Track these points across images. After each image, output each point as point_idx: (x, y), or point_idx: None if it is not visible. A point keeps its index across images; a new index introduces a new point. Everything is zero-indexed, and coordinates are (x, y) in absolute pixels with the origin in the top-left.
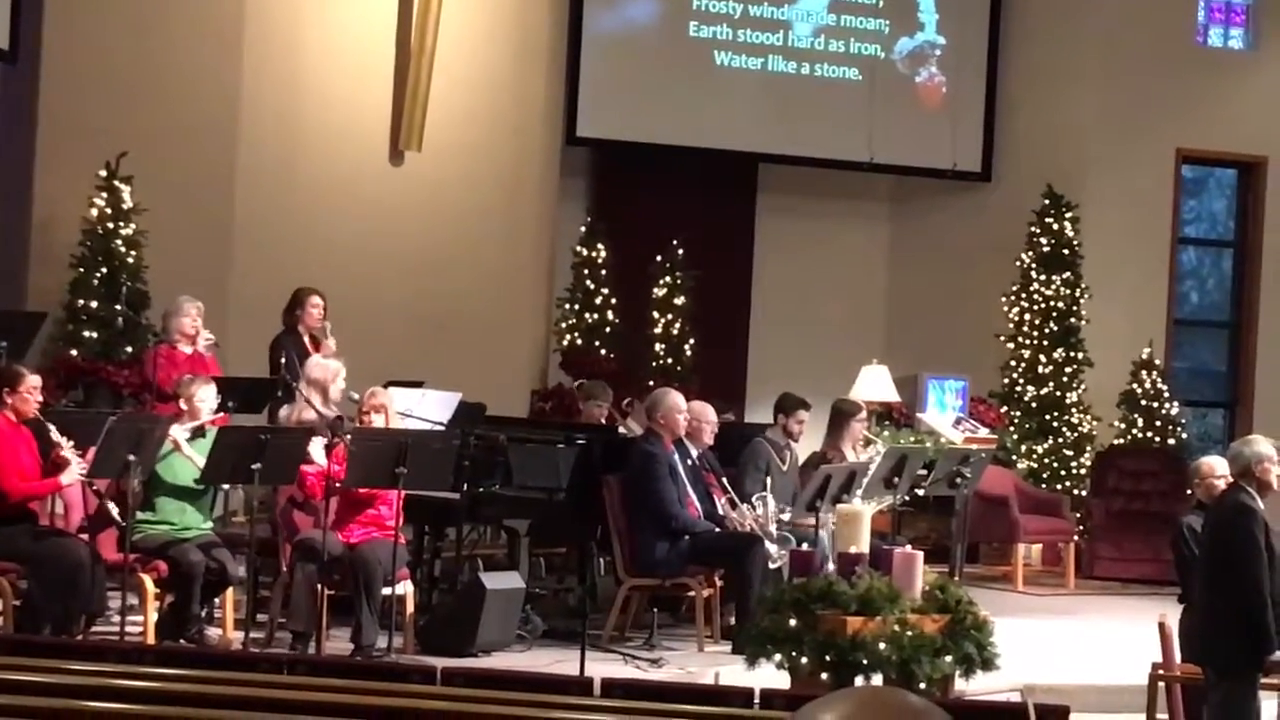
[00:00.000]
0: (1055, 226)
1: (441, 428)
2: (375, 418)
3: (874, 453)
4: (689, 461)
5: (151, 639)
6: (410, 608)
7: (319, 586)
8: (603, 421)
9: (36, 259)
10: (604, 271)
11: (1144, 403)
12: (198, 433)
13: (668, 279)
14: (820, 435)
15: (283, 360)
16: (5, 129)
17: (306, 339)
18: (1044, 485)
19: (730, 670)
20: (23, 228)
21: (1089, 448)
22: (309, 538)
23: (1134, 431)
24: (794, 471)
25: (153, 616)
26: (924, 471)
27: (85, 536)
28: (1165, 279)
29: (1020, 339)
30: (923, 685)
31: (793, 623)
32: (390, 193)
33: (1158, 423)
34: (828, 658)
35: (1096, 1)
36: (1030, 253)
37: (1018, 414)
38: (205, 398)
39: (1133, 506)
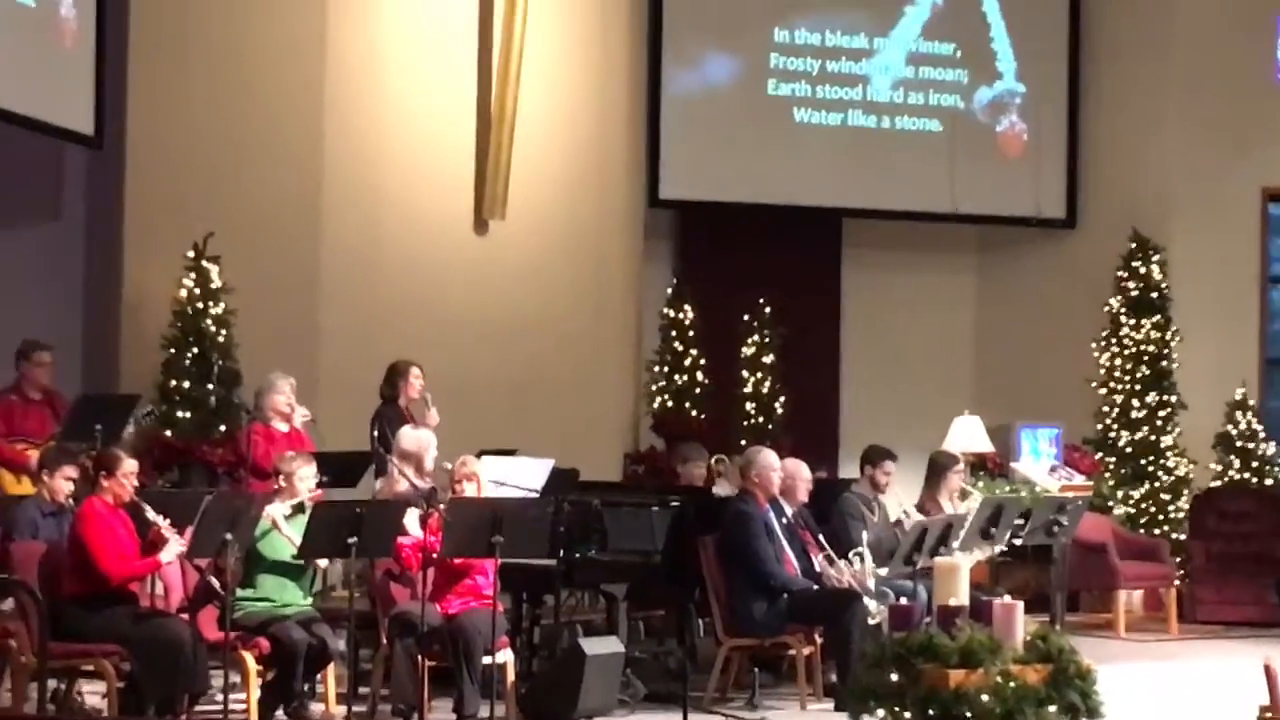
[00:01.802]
0: (1143, 270)
1: (535, 495)
2: (467, 486)
3: (971, 504)
4: (784, 519)
5: (255, 716)
6: (511, 676)
7: (419, 658)
8: (700, 483)
9: (128, 342)
10: (692, 332)
11: (1239, 443)
12: (297, 509)
13: (756, 337)
14: (908, 486)
15: (375, 434)
16: (94, 214)
17: (405, 412)
18: (1142, 530)
19: None
20: (114, 311)
21: (1186, 491)
22: (407, 610)
23: (1230, 473)
24: (884, 523)
25: (255, 694)
26: (1021, 521)
27: (186, 616)
28: (1256, 318)
29: (1112, 384)
30: None
31: (894, 678)
32: (476, 262)
33: (1254, 463)
34: (931, 712)
35: (1175, 43)
36: (1119, 297)
37: (1113, 460)
38: (306, 476)
39: (1233, 548)
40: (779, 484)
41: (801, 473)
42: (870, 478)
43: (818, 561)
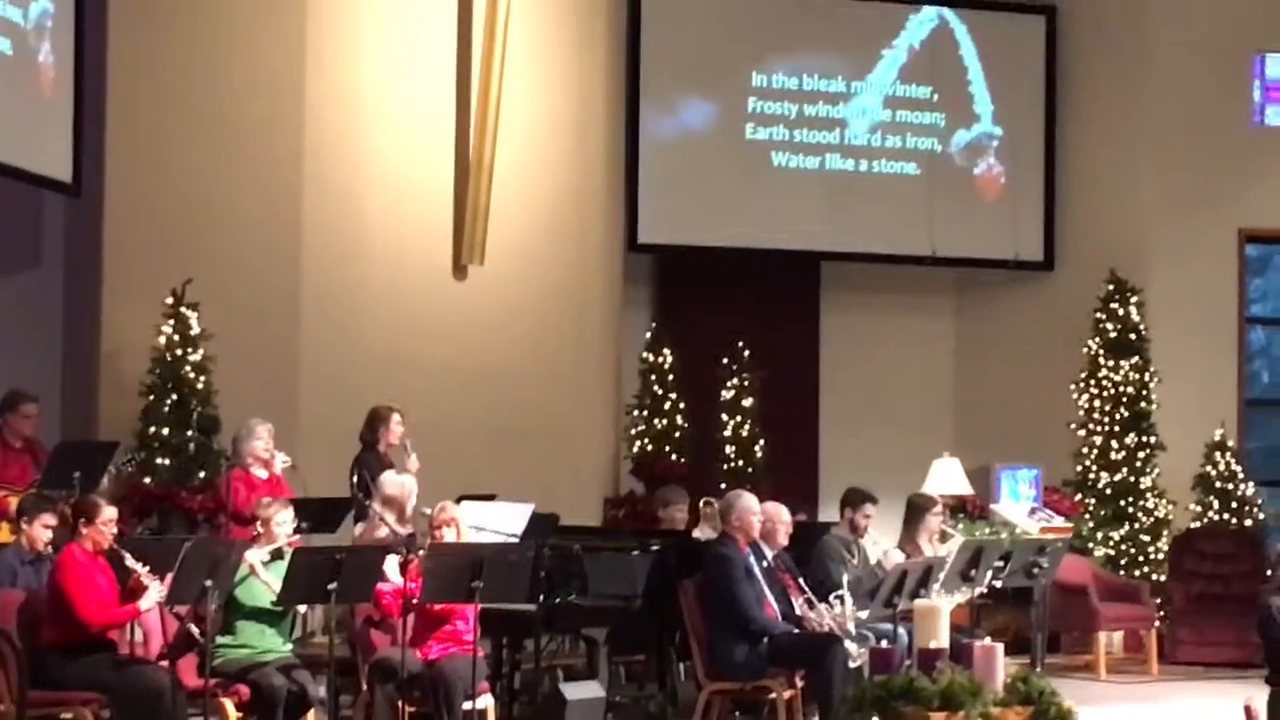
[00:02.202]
0: (1121, 312)
1: (515, 539)
2: (446, 532)
3: (951, 546)
4: (764, 563)
5: None
6: None
7: (399, 704)
8: (683, 526)
9: (107, 389)
10: (671, 376)
11: (1219, 484)
12: (276, 555)
13: (735, 381)
14: (887, 529)
15: (354, 479)
16: (72, 261)
17: (385, 457)
18: (1122, 572)
19: None
20: (92, 358)
21: (1165, 532)
22: (387, 657)
23: (1210, 514)
24: (864, 566)
25: None
26: (1000, 563)
27: (166, 663)
28: (1234, 359)
29: (1091, 426)
30: None
31: None
32: (455, 307)
33: (1234, 504)
34: None
35: (1152, 86)
36: (1097, 339)
37: (1092, 501)
38: (283, 521)
39: (1212, 589)
40: (759, 527)
41: (781, 516)
42: (850, 520)
43: (798, 605)
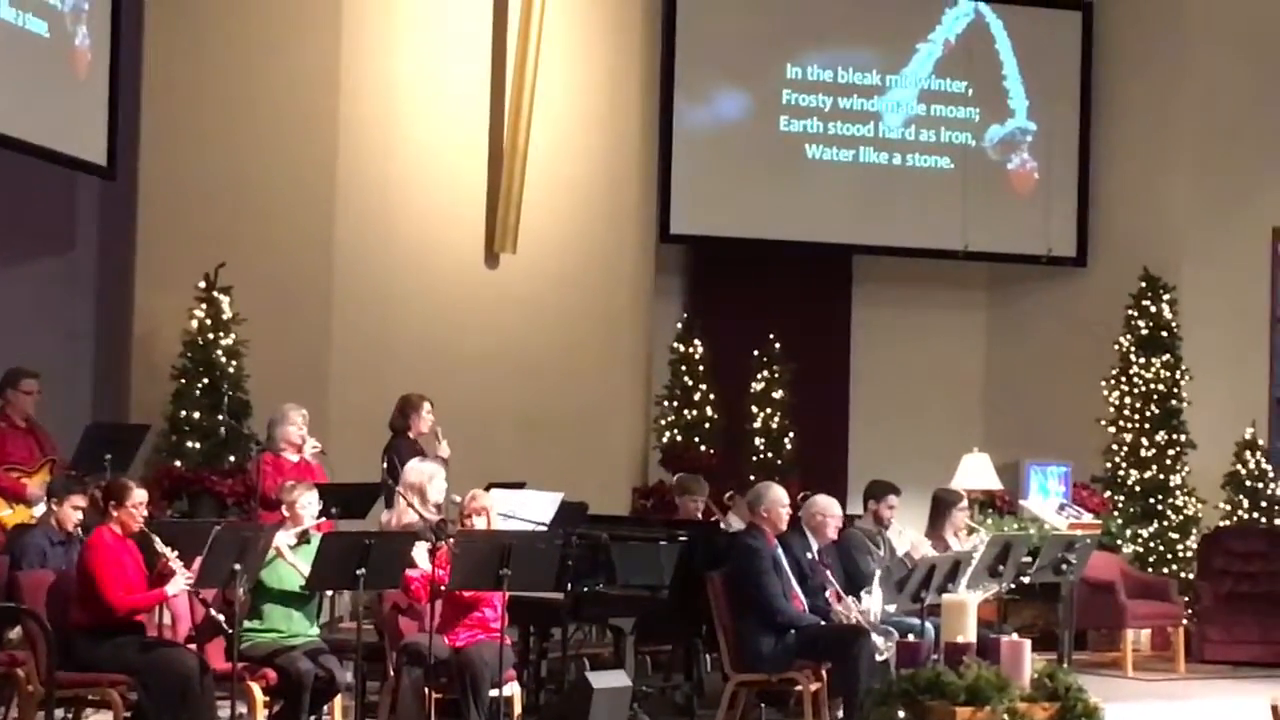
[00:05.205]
0: (1153, 309)
1: (544, 528)
2: (477, 520)
3: (977, 541)
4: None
5: None
6: (518, 709)
7: (426, 690)
8: (699, 516)
9: (139, 372)
10: (701, 367)
11: (1248, 483)
12: (302, 539)
13: (765, 373)
14: (915, 523)
15: (384, 465)
16: (106, 244)
17: (416, 444)
18: (1150, 569)
19: None
20: (124, 341)
21: (1194, 530)
22: (414, 642)
23: (1239, 513)
24: (890, 558)
25: None
26: (1029, 559)
27: (194, 646)
28: (1266, 357)
29: (1121, 423)
30: None
31: (901, 715)
32: (486, 295)
33: (1263, 503)
34: None
35: (1188, 84)
36: (1129, 336)
37: (1121, 498)
38: (307, 503)
39: (1241, 588)
40: (786, 519)
41: (833, 510)
42: (874, 512)
43: (827, 597)
